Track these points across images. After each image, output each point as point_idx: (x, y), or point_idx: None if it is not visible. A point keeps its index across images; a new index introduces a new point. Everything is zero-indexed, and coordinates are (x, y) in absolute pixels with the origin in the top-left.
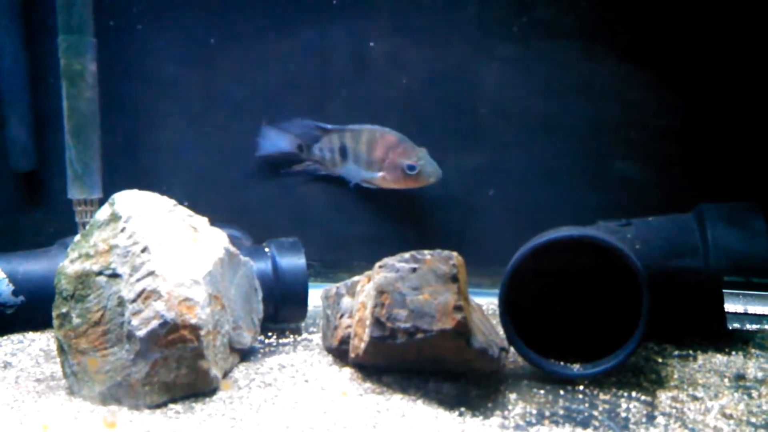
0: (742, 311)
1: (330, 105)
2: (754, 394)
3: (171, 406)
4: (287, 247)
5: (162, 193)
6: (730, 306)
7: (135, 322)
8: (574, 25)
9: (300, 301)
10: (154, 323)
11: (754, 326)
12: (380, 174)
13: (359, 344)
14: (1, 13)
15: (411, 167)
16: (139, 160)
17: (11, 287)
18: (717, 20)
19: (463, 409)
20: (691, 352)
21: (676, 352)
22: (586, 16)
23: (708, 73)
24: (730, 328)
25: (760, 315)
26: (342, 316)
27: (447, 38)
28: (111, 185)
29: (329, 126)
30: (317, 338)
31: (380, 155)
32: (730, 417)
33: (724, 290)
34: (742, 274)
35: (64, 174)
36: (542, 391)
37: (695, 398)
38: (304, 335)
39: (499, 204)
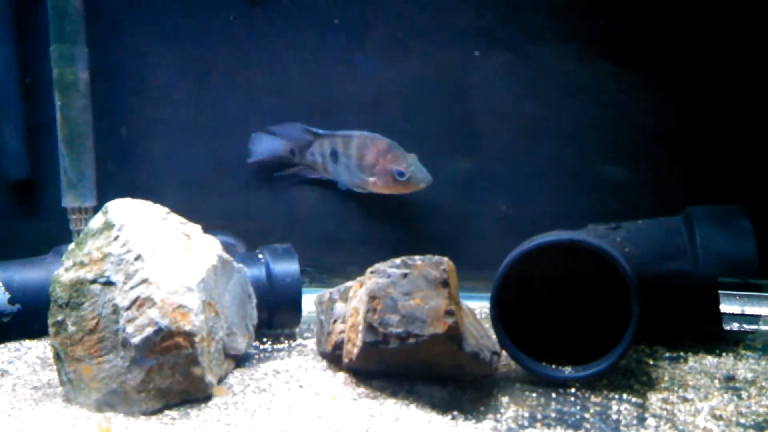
0: (739, 312)
1: (322, 111)
2: (744, 395)
3: (166, 412)
4: (281, 253)
5: (155, 200)
6: (726, 307)
7: (129, 329)
8: (565, 28)
9: (294, 306)
10: (149, 330)
11: (751, 326)
12: (371, 179)
13: (352, 349)
14: None
15: (400, 173)
16: (133, 168)
17: (7, 295)
18: (710, 23)
19: (455, 412)
20: (681, 353)
21: (667, 354)
22: (578, 19)
23: (699, 76)
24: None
25: (756, 315)
26: (335, 321)
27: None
28: (105, 193)
29: (320, 131)
30: (311, 343)
31: (371, 161)
32: (720, 418)
33: (718, 292)
34: (730, 276)
35: (58, 182)
36: (534, 394)
37: (685, 400)
38: (299, 341)
39: (490, 208)
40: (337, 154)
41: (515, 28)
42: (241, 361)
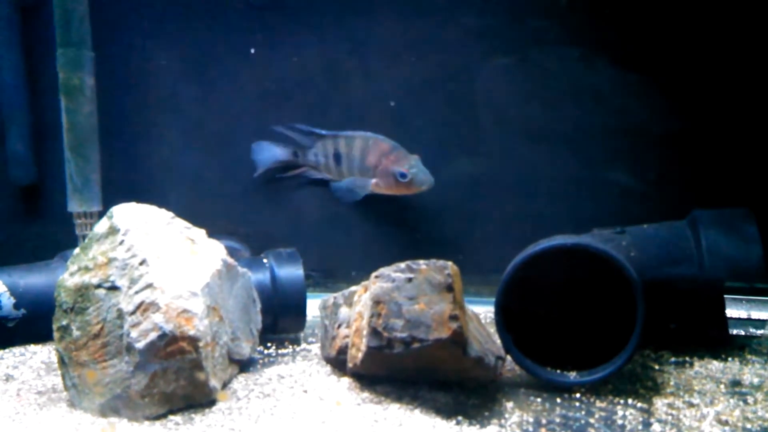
0: (745, 317)
1: (326, 114)
2: (750, 400)
3: (170, 417)
4: (285, 257)
5: (160, 205)
6: (732, 311)
7: (134, 334)
8: (568, 32)
9: (298, 311)
10: (153, 335)
11: (759, 331)
12: (373, 180)
13: (357, 354)
14: (1, 27)
15: (402, 174)
16: (138, 173)
17: (12, 300)
18: (714, 26)
19: (460, 417)
20: (687, 358)
21: (673, 359)
22: (581, 23)
23: (703, 79)
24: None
25: (762, 320)
26: (340, 326)
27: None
28: (110, 198)
29: (323, 132)
30: (316, 348)
31: (373, 162)
32: (726, 423)
33: (724, 296)
34: (736, 280)
35: (64, 187)
36: (539, 399)
37: (691, 405)
38: (303, 345)
39: (496, 213)
40: (339, 155)
41: (520, 31)
42: (245, 366)
